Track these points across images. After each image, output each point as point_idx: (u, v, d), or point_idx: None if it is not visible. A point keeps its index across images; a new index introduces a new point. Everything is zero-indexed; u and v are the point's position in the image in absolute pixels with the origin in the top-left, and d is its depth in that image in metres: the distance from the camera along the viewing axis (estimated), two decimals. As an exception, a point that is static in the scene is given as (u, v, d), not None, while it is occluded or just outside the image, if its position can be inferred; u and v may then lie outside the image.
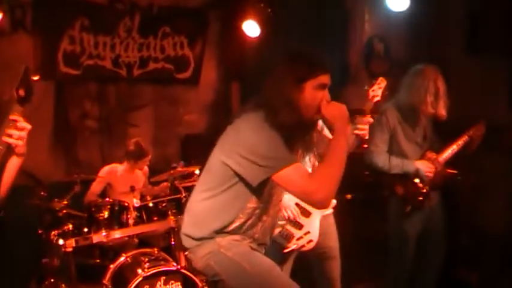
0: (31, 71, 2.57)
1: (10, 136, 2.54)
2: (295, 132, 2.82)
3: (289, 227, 3.90)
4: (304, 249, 3.93)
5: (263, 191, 2.86)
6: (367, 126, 3.53)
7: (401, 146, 4.47)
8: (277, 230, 3.86)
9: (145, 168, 6.08)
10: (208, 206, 2.93)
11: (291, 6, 6.69)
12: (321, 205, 2.81)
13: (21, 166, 2.72)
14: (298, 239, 3.89)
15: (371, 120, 3.54)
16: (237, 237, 2.92)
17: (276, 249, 3.90)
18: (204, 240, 2.93)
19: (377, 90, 3.83)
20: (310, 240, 3.92)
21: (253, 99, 2.91)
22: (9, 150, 2.61)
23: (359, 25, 7.06)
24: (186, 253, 3.09)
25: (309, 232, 3.91)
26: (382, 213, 4.68)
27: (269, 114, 2.71)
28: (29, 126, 2.56)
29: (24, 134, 2.57)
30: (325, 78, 2.76)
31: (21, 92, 2.54)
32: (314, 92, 2.74)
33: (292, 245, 3.89)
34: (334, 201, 4.03)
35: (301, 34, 6.64)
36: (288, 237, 3.89)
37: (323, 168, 2.67)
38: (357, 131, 3.47)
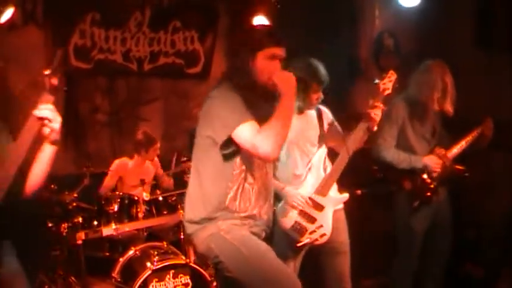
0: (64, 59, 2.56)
1: (42, 119, 2.52)
2: (253, 97, 3.02)
3: (302, 221, 3.91)
4: (317, 243, 3.94)
5: (240, 154, 3.01)
6: (380, 112, 3.73)
7: (410, 141, 4.48)
8: (289, 224, 3.90)
9: (156, 159, 6.11)
10: (200, 184, 3.10)
11: (299, 2, 6.67)
12: (266, 158, 2.94)
13: (55, 155, 2.70)
14: (311, 233, 3.91)
15: (383, 106, 3.77)
16: (237, 221, 3.06)
17: (289, 243, 3.93)
18: (205, 223, 3.04)
19: (387, 83, 3.87)
20: (323, 234, 3.93)
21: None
22: (40, 138, 2.59)
23: (369, 20, 7.06)
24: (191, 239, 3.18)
25: (321, 226, 3.93)
26: (390, 208, 4.68)
27: (226, 80, 3.06)
28: (59, 118, 2.56)
29: (57, 124, 2.57)
30: (276, 50, 3.01)
31: (54, 81, 2.54)
32: (265, 62, 2.99)
33: (306, 239, 3.91)
34: (346, 195, 4.06)
35: (310, 29, 6.63)
36: (301, 231, 3.91)
37: (270, 126, 2.85)
38: (372, 115, 3.72)
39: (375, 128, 3.82)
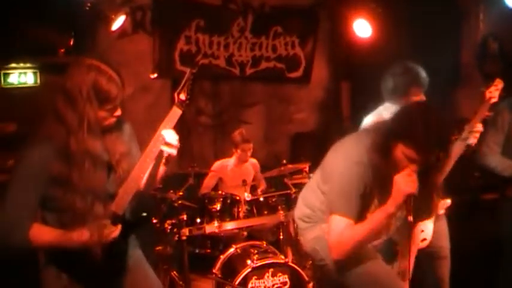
0: (194, 77, 2.68)
1: (168, 145, 2.65)
2: (378, 184, 2.84)
3: (404, 224, 3.89)
4: (417, 247, 3.91)
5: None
6: (478, 135, 3.76)
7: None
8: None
9: (254, 160, 6.23)
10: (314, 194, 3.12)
11: (402, 5, 6.61)
12: (331, 254, 2.85)
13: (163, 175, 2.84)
14: None
15: (481, 129, 3.76)
16: None
17: (389, 245, 3.92)
18: (312, 223, 3.10)
19: (494, 91, 3.81)
20: (424, 239, 3.88)
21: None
22: (160, 157, 2.71)
23: (473, 24, 6.89)
24: (299, 237, 3.23)
25: (422, 231, 3.89)
26: (492, 216, 4.57)
27: (377, 146, 2.81)
28: (176, 142, 2.65)
29: (177, 144, 2.67)
30: (415, 156, 2.68)
31: (183, 96, 2.66)
32: (403, 157, 2.72)
33: None
34: (448, 201, 4.00)
35: (413, 34, 6.56)
36: (403, 235, 3.90)
37: (356, 232, 2.75)
38: (469, 140, 3.74)
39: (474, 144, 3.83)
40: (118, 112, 2.64)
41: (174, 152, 2.67)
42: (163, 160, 2.76)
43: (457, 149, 3.88)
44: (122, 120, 2.80)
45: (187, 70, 2.72)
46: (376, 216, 2.75)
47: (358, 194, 2.79)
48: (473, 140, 3.81)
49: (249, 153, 6.03)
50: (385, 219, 2.74)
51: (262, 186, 6.14)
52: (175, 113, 2.66)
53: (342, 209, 2.79)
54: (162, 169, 2.80)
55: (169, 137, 2.63)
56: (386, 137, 2.76)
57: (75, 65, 2.57)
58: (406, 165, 2.71)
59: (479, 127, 3.81)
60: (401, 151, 2.70)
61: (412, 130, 2.65)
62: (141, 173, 2.65)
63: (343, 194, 2.80)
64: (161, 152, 2.67)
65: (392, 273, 3.18)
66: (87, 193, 2.52)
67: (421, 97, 3.93)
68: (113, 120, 2.66)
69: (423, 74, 3.89)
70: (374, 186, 2.83)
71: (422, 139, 2.63)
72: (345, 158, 2.87)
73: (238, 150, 5.98)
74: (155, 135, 2.66)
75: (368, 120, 4.06)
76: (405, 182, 2.67)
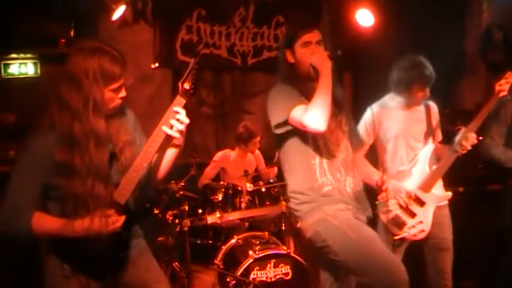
0: (198, 67, 2.67)
1: (170, 127, 2.64)
2: (303, 85, 3.21)
3: (402, 215, 3.89)
4: (415, 238, 3.91)
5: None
6: (469, 147, 3.76)
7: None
8: (390, 216, 3.90)
9: (258, 152, 6.21)
10: (289, 170, 3.30)
11: (405, -6, 6.59)
12: (314, 128, 2.99)
13: (177, 156, 2.83)
14: (410, 228, 3.88)
15: (475, 141, 3.76)
16: (341, 205, 3.15)
17: (387, 236, 3.92)
18: (312, 210, 3.16)
19: (504, 84, 3.80)
20: (422, 230, 3.90)
21: None
22: (167, 140, 2.69)
23: (477, 13, 6.84)
24: (299, 224, 3.30)
25: (421, 222, 3.89)
26: (495, 207, 4.55)
27: (279, 76, 3.32)
28: (187, 121, 2.65)
29: (183, 127, 2.66)
30: (306, 37, 3.21)
31: (187, 85, 2.64)
32: (302, 50, 3.20)
33: (403, 233, 3.88)
34: (449, 194, 3.99)
35: (415, 23, 6.52)
36: (400, 225, 3.89)
37: (312, 103, 3.00)
38: (459, 148, 3.76)
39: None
40: (123, 93, 2.64)
41: (175, 134, 2.66)
42: (174, 143, 2.75)
43: (448, 159, 3.89)
44: (125, 109, 2.80)
45: (192, 60, 2.71)
46: (321, 85, 3.02)
47: (289, 94, 3.15)
48: (462, 149, 3.80)
49: (258, 144, 6.03)
50: (328, 84, 3.01)
51: (268, 175, 6.09)
52: (179, 102, 2.65)
53: (290, 107, 3.05)
54: (174, 150, 2.79)
55: (174, 118, 2.64)
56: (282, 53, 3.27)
57: (77, 49, 2.57)
58: (308, 54, 3.16)
59: (473, 137, 3.78)
60: (298, 49, 3.20)
61: (290, 31, 3.36)
62: (144, 162, 2.63)
63: (283, 101, 3.12)
64: (168, 137, 2.66)
65: (389, 251, 3.23)
66: (88, 174, 2.52)
67: (425, 93, 3.92)
68: (118, 102, 2.65)
69: (429, 71, 3.85)
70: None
71: (299, 22, 3.37)
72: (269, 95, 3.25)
73: (242, 145, 5.97)
74: (158, 125, 2.65)
75: (371, 110, 4.05)
76: (318, 57, 3.10)
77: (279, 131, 3.19)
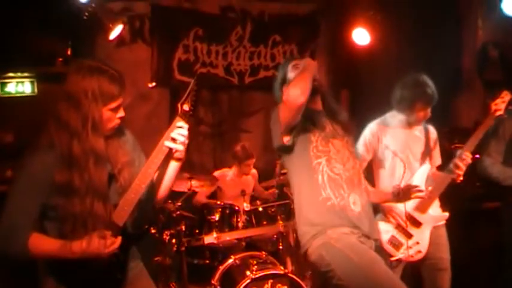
0: (197, 88, 2.69)
1: (174, 140, 2.64)
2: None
3: (398, 236, 3.88)
4: (411, 259, 3.89)
5: (314, 146, 3.23)
6: (464, 167, 3.74)
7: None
8: (386, 237, 3.87)
9: (254, 171, 6.19)
10: (294, 186, 3.34)
11: (401, 12, 6.60)
12: (292, 99, 3.05)
13: (179, 170, 2.81)
14: (406, 249, 3.86)
15: (470, 161, 3.74)
16: (346, 229, 3.11)
17: (383, 257, 3.89)
18: (317, 235, 3.13)
19: (500, 104, 3.80)
20: (419, 251, 3.89)
21: None
22: (169, 154, 2.69)
23: (472, 31, 6.87)
24: (303, 250, 3.25)
25: (418, 243, 3.89)
26: (493, 225, 4.54)
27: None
28: (186, 141, 2.67)
29: (185, 140, 2.66)
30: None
31: (186, 107, 2.66)
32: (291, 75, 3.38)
33: (400, 254, 3.86)
34: (446, 214, 3.98)
35: (412, 41, 6.55)
36: (397, 246, 3.88)
37: (290, 84, 3.16)
38: (454, 168, 3.75)
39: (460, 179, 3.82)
40: (121, 113, 2.64)
41: (178, 147, 2.65)
42: (175, 157, 2.73)
43: (443, 180, 3.89)
44: (124, 129, 2.80)
45: (190, 80, 2.72)
46: (301, 71, 3.17)
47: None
48: (457, 172, 3.79)
49: (252, 167, 6.02)
50: (309, 67, 3.15)
51: (265, 195, 6.08)
52: (178, 123, 2.65)
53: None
54: (175, 165, 2.77)
55: (179, 132, 2.64)
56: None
57: (76, 68, 2.57)
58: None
59: (468, 157, 3.77)
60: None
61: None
62: (143, 183, 2.62)
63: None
64: (170, 151, 2.66)
65: (393, 275, 3.17)
66: (87, 193, 2.50)
67: (426, 112, 3.92)
68: (117, 122, 2.65)
69: (431, 90, 3.86)
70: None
71: None
72: None
73: (237, 164, 5.96)
74: (157, 146, 2.64)
75: (372, 127, 4.05)
76: (303, 62, 3.28)
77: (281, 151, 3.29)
